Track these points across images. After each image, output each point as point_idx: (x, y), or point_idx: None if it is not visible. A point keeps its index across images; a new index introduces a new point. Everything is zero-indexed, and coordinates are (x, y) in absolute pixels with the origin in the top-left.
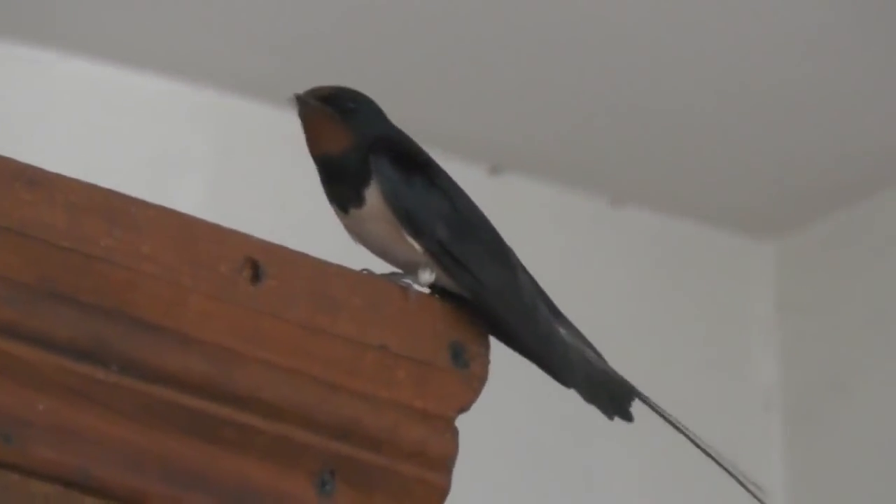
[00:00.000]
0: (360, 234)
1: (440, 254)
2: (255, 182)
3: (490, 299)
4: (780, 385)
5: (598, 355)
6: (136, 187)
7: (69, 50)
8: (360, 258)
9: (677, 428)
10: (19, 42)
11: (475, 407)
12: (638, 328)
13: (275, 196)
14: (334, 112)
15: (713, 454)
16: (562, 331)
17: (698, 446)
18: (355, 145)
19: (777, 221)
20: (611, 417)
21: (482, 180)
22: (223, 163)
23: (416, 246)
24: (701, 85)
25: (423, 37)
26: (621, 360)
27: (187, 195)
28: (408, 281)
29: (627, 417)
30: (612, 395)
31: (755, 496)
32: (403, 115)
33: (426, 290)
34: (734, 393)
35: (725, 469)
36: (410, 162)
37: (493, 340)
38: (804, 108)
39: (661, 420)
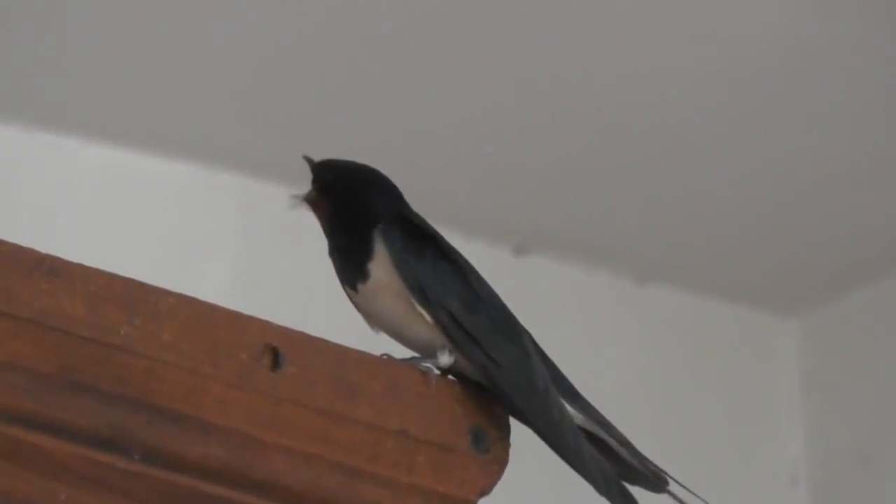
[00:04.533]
0: (370, 312)
1: (451, 326)
2: (277, 267)
3: (501, 379)
4: (807, 460)
5: (622, 440)
6: (158, 274)
7: (90, 136)
8: (379, 343)
9: None
10: (40, 128)
11: (497, 489)
12: (664, 406)
13: (297, 281)
14: (314, 184)
15: None
16: (580, 416)
17: None
18: (337, 216)
19: (801, 298)
20: None
21: (506, 261)
22: (245, 248)
23: (427, 316)
24: (723, 163)
25: (445, 120)
26: (647, 438)
27: (210, 281)
28: (427, 365)
29: None
30: (623, 488)
31: None
32: (427, 196)
33: (445, 376)
34: (761, 469)
35: None
36: (419, 234)
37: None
38: (827, 185)
39: None
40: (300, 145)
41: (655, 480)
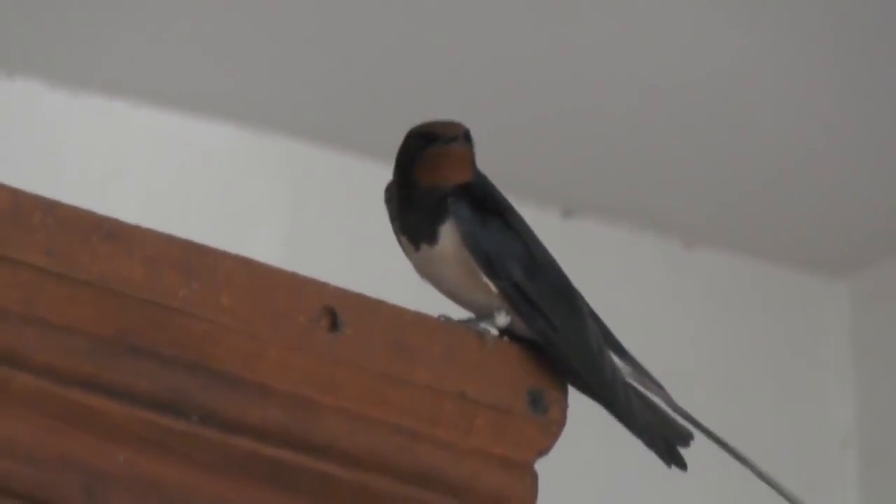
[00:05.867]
0: (428, 274)
1: (515, 296)
2: (329, 231)
3: (560, 342)
4: (856, 424)
5: (663, 392)
6: (209, 238)
7: (141, 100)
8: (435, 303)
9: (742, 461)
10: (90, 92)
11: (553, 451)
12: (712, 369)
13: (350, 244)
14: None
15: (775, 485)
16: (627, 368)
17: (761, 477)
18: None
19: (850, 261)
20: (668, 465)
21: (555, 224)
22: (297, 212)
23: (492, 287)
24: (770, 127)
25: (494, 83)
26: (696, 401)
27: (262, 245)
28: (485, 327)
29: (682, 465)
30: (669, 440)
31: None
32: (476, 159)
33: (501, 336)
34: (810, 433)
35: (790, 500)
36: (486, 204)
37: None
38: (875, 146)
39: (737, 467)
40: (350, 110)
41: (684, 434)
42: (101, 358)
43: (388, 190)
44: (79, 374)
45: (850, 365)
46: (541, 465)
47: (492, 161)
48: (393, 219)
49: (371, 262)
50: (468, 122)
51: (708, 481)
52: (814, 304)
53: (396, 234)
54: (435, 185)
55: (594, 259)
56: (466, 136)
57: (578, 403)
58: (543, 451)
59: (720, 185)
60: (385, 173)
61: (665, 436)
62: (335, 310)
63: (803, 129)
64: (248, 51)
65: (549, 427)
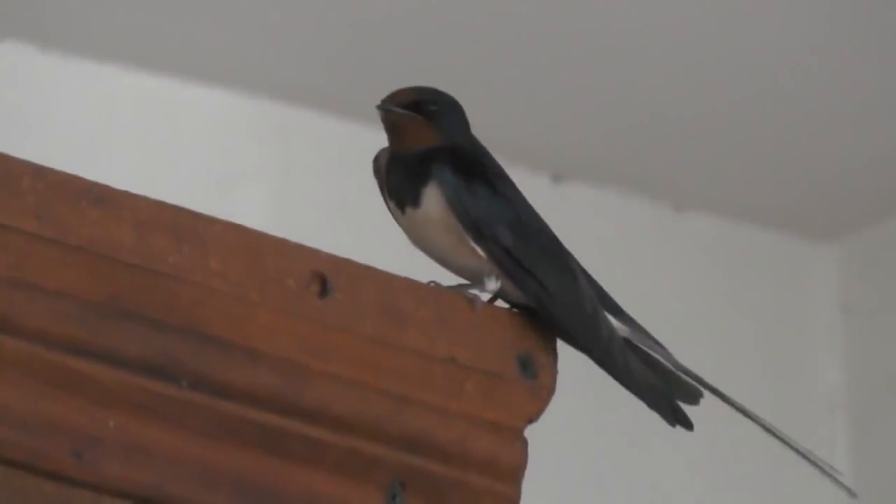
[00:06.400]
0: (415, 238)
1: (507, 260)
2: (318, 195)
3: (553, 306)
4: (845, 387)
5: (664, 351)
6: (199, 202)
7: (130, 63)
8: (426, 270)
9: (749, 417)
10: (79, 56)
11: (543, 417)
12: (702, 332)
13: (339, 208)
14: (420, 117)
15: (785, 439)
16: (626, 329)
17: (771, 432)
18: (440, 144)
19: (839, 224)
20: (672, 425)
21: (545, 188)
22: (286, 176)
23: (480, 251)
24: (761, 89)
25: (485, 46)
26: (684, 363)
27: (251, 209)
28: (474, 292)
29: (687, 425)
30: (672, 400)
31: (830, 475)
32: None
33: (491, 302)
34: (799, 395)
35: (799, 452)
36: (472, 168)
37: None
38: (864, 110)
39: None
40: (341, 73)
41: (692, 392)
42: (93, 323)
43: (377, 160)
44: (70, 339)
45: (838, 328)
46: (531, 432)
47: (482, 125)
48: (382, 187)
49: (361, 228)
50: (458, 86)
51: (698, 451)
52: (803, 267)
53: (385, 200)
54: (405, 150)
55: (585, 223)
56: (414, 105)
57: (569, 371)
58: (533, 416)
59: (711, 149)
60: (376, 137)
61: (668, 395)
62: (325, 275)
63: (793, 93)
64: (238, 14)
65: (539, 392)
